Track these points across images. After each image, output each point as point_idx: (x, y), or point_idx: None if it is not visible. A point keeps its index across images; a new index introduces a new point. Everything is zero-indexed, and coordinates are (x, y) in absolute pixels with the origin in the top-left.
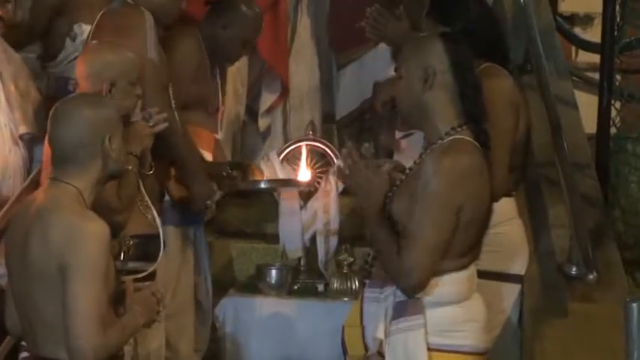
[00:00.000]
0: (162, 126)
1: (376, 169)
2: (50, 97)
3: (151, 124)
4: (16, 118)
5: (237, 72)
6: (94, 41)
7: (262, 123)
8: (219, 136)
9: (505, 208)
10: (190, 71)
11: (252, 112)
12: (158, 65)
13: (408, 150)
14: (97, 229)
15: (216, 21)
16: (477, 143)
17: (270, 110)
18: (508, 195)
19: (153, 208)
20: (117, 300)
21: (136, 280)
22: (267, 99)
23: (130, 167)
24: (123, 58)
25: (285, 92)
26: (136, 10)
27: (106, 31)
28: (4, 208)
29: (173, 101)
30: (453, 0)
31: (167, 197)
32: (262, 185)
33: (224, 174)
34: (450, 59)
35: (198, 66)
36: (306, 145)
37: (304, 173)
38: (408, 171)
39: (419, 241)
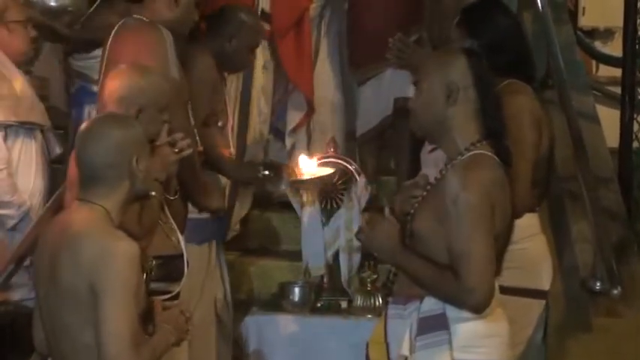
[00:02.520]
0: (188, 152)
1: (376, 222)
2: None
3: (176, 150)
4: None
5: (262, 91)
6: (122, 65)
7: (289, 142)
8: (232, 150)
9: (529, 224)
10: (208, 90)
11: (276, 130)
12: (179, 82)
13: (435, 164)
14: (127, 248)
15: (220, 35)
16: (497, 158)
17: (295, 129)
18: (532, 211)
19: (177, 231)
20: (145, 318)
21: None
22: (293, 118)
23: (154, 193)
24: (154, 84)
25: (310, 111)
26: (154, 29)
27: (126, 50)
28: (29, 229)
29: (192, 120)
30: (484, 12)
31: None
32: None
33: (259, 175)
34: (474, 75)
35: (214, 83)
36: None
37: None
38: (428, 187)
39: (474, 257)
